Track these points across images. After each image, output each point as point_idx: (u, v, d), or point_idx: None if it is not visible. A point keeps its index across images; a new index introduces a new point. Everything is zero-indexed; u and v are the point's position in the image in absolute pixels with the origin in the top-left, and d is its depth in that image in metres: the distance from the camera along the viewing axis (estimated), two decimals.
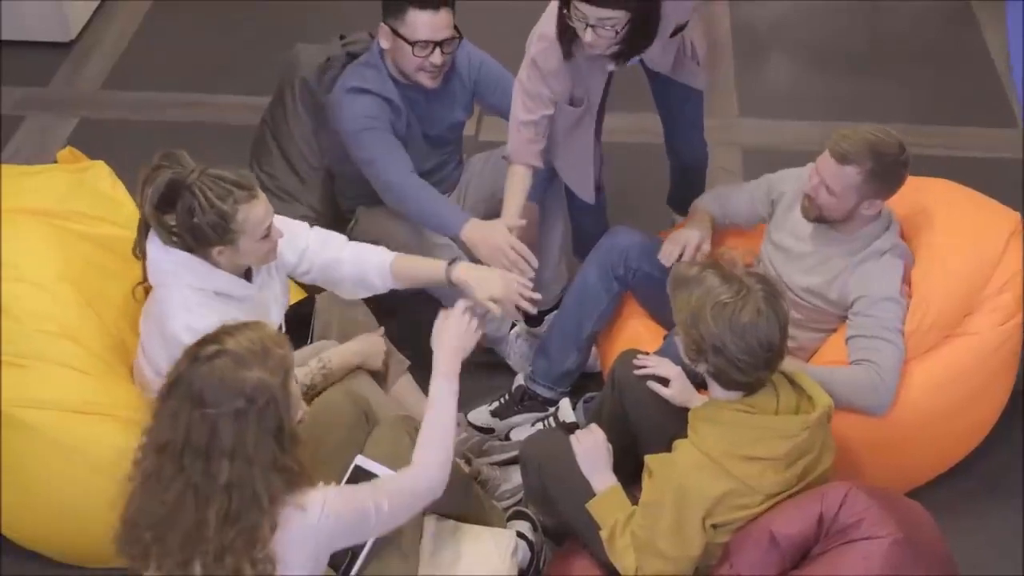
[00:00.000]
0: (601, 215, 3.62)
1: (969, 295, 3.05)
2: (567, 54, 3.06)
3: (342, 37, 3.69)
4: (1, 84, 4.71)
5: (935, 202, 3.22)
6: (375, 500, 2.30)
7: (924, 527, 2.50)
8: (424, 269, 3.01)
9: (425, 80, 3.26)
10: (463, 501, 2.81)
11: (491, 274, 2.96)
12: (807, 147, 4.34)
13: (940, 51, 4.95)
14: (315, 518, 2.20)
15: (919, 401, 2.97)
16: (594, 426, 2.75)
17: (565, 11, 2.95)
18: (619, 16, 2.88)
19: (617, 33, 2.91)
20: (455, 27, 3.23)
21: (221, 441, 2.13)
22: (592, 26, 2.89)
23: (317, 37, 3.87)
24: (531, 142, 3.22)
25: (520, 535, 2.95)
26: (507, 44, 3.52)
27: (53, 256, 3.03)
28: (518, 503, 3.15)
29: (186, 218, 2.66)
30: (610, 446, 2.71)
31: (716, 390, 2.52)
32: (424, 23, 3.16)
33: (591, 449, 2.71)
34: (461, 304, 2.70)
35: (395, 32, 3.20)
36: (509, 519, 3.04)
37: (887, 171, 2.87)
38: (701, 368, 2.48)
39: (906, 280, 3.00)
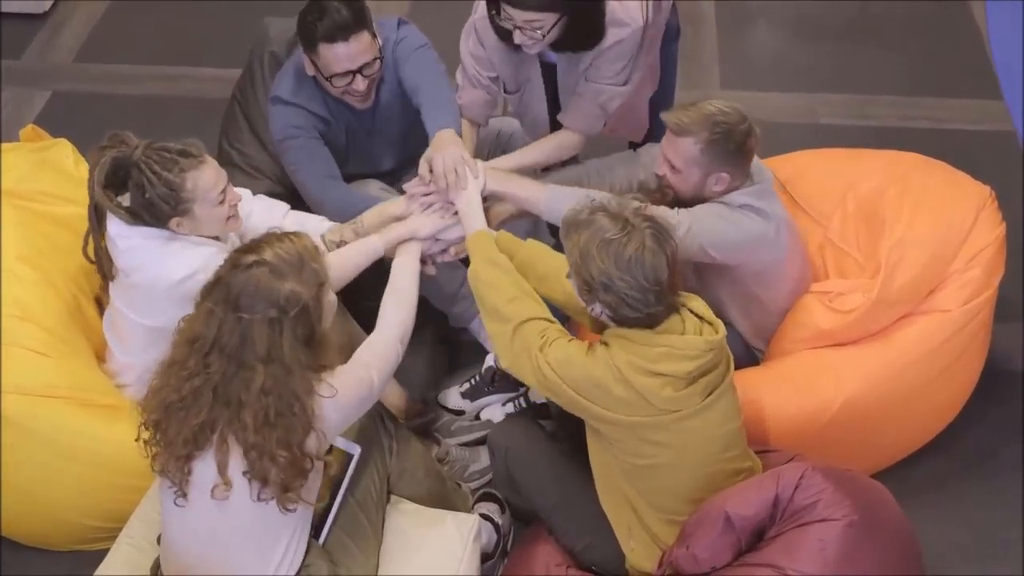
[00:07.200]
0: None
1: (936, 269, 3.01)
2: (512, 47, 3.05)
3: None
4: None
5: (906, 175, 3.17)
6: (369, 373, 2.49)
7: (883, 507, 2.49)
8: (356, 254, 2.86)
9: (354, 103, 3.15)
10: (427, 484, 2.80)
11: (418, 218, 2.92)
12: (790, 119, 4.35)
13: (926, 23, 4.88)
14: (341, 399, 2.38)
15: (886, 381, 2.95)
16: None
17: (494, 12, 2.93)
18: (544, 18, 2.87)
19: (544, 36, 2.89)
20: (375, 36, 3.06)
21: (255, 347, 2.27)
22: (519, 27, 2.89)
23: (291, 10, 3.80)
24: (482, 102, 3.21)
25: (487, 517, 2.95)
26: None
27: (13, 236, 3.00)
28: (487, 484, 3.14)
29: (138, 195, 2.68)
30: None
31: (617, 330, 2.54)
32: (337, 56, 3.00)
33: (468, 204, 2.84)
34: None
35: (314, 64, 3.07)
36: (477, 501, 3.04)
37: (725, 140, 2.80)
38: (596, 310, 2.50)
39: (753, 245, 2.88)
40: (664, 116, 2.86)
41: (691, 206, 2.88)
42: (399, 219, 2.93)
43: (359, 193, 3.22)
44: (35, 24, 4.88)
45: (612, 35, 3.00)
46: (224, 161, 3.58)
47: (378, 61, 3.08)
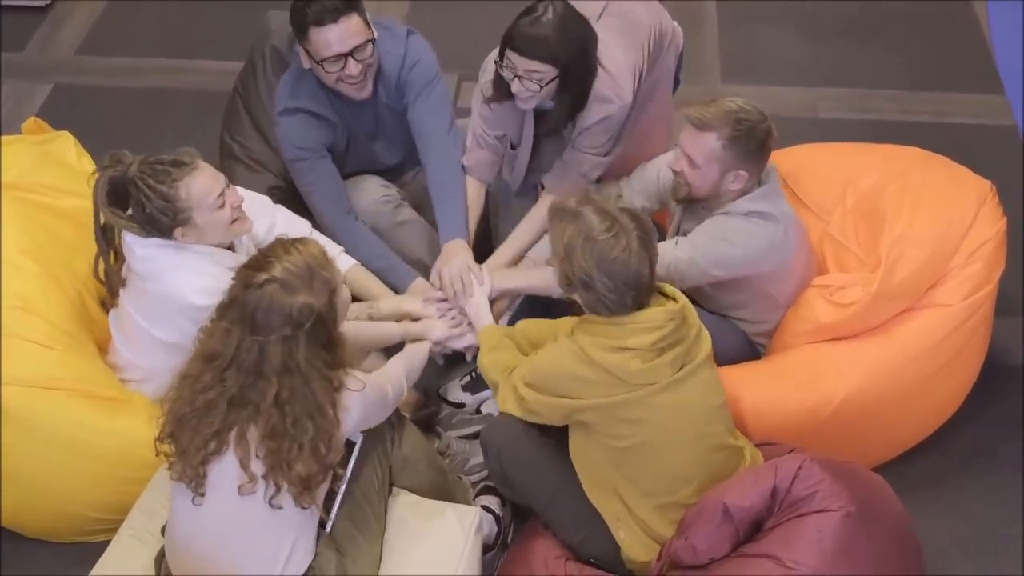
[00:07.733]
0: None
1: (936, 265, 3.01)
2: (496, 98, 3.08)
3: None
4: None
5: (906, 171, 3.17)
6: (384, 384, 2.59)
7: (882, 500, 2.50)
8: (372, 331, 3.05)
9: (350, 92, 3.14)
10: (429, 475, 2.80)
11: (431, 322, 3.10)
12: (790, 113, 4.34)
13: (927, 21, 4.86)
14: (369, 392, 2.46)
15: (887, 376, 2.95)
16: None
17: (498, 60, 2.97)
18: (546, 70, 2.91)
19: (542, 88, 2.94)
20: (368, 24, 3.06)
21: (271, 361, 2.31)
22: (519, 77, 2.93)
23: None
24: (488, 162, 3.27)
25: (488, 509, 2.96)
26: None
27: (15, 229, 3.00)
28: (487, 477, 3.14)
29: (139, 211, 2.71)
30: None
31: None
32: (327, 40, 3.00)
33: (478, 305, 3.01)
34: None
35: (307, 52, 3.08)
36: (478, 493, 3.04)
37: (747, 137, 2.80)
38: (574, 297, 2.58)
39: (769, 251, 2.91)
40: (685, 112, 2.86)
41: (705, 204, 2.90)
42: (410, 314, 3.09)
43: (369, 236, 3.26)
44: (37, 17, 4.88)
45: (599, 111, 3.04)
46: (225, 154, 3.59)
47: (370, 45, 3.08)
